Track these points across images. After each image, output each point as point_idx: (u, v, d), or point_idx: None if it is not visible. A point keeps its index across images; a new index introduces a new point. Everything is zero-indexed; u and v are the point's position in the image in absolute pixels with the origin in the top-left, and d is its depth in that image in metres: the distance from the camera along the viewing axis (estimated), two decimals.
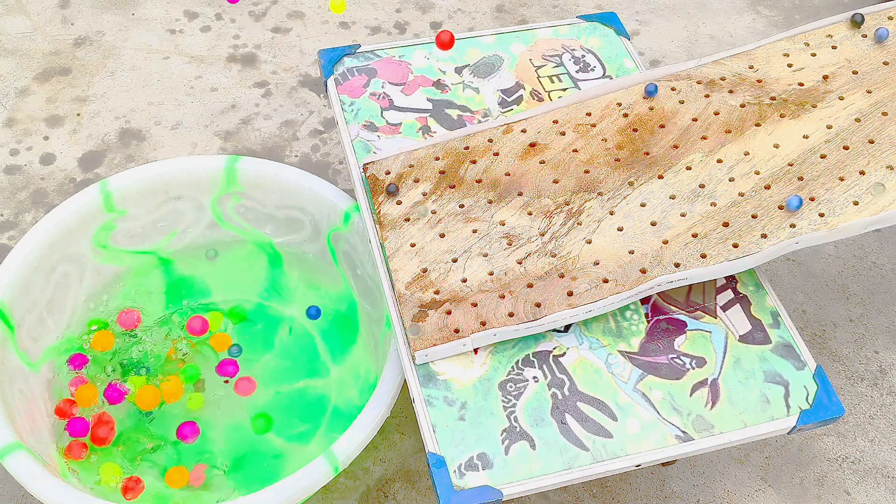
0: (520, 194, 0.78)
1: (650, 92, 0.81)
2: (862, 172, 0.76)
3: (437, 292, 0.73)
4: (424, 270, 0.75)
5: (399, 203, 0.79)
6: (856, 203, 0.74)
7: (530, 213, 0.77)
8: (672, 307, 0.75)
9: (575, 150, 0.81)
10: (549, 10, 1.23)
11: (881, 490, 0.84)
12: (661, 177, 0.78)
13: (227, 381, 0.85)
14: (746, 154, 0.79)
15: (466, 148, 0.81)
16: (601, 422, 0.69)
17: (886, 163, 0.77)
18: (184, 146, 1.07)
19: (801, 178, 0.76)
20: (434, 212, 0.78)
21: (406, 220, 0.78)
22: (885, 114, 0.80)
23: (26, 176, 1.04)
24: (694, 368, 0.72)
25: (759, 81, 0.83)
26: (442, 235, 0.76)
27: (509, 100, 0.87)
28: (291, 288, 0.91)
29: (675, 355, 0.72)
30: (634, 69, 0.90)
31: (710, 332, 0.74)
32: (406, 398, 0.86)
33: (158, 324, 0.88)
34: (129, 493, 0.77)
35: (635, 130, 0.81)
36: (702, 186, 0.77)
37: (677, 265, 0.73)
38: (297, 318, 0.89)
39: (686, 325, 0.74)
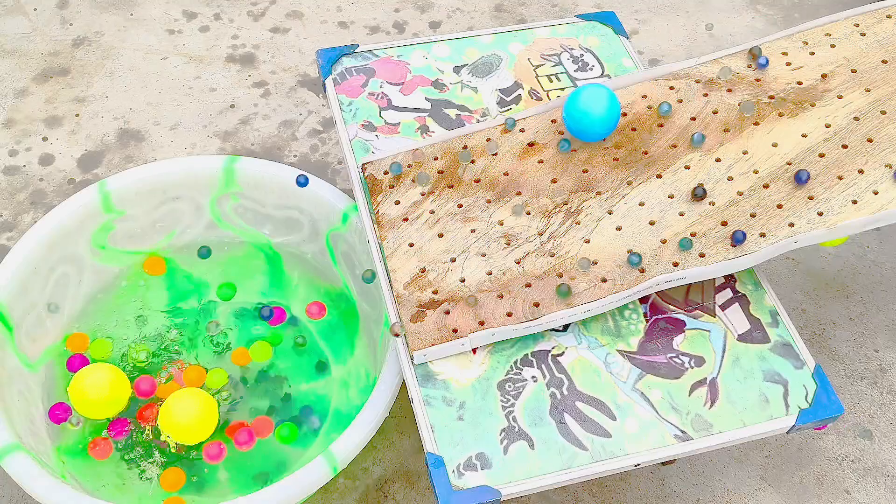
0: (518, 194, 0.78)
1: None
2: (861, 171, 0.76)
3: (435, 292, 0.73)
4: (423, 270, 0.75)
5: (397, 203, 0.78)
6: (854, 202, 0.74)
7: (529, 213, 0.77)
8: (671, 306, 0.75)
9: (573, 150, 0.81)
10: (548, 10, 1.23)
11: (881, 489, 0.84)
12: (659, 176, 0.78)
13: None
14: (745, 153, 0.79)
15: (465, 147, 0.81)
16: (600, 421, 0.69)
17: (885, 161, 0.76)
18: (182, 146, 1.07)
19: None
20: (432, 211, 0.78)
21: (404, 219, 0.77)
22: (883, 112, 0.79)
23: (25, 177, 1.04)
24: (693, 368, 0.72)
25: (757, 80, 0.83)
26: (440, 235, 0.76)
27: (508, 99, 0.87)
28: (291, 288, 0.91)
29: (673, 354, 0.72)
30: (633, 68, 0.90)
31: (709, 331, 0.74)
32: (405, 398, 0.85)
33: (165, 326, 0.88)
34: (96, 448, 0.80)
35: (634, 129, 0.81)
36: (700, 186, 0.77)
37: (676, 264, 0.73)
38: (297, 318, 0.89)
39: (685, 325, 0.74)
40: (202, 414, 0.78)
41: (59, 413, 0.81)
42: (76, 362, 0.84)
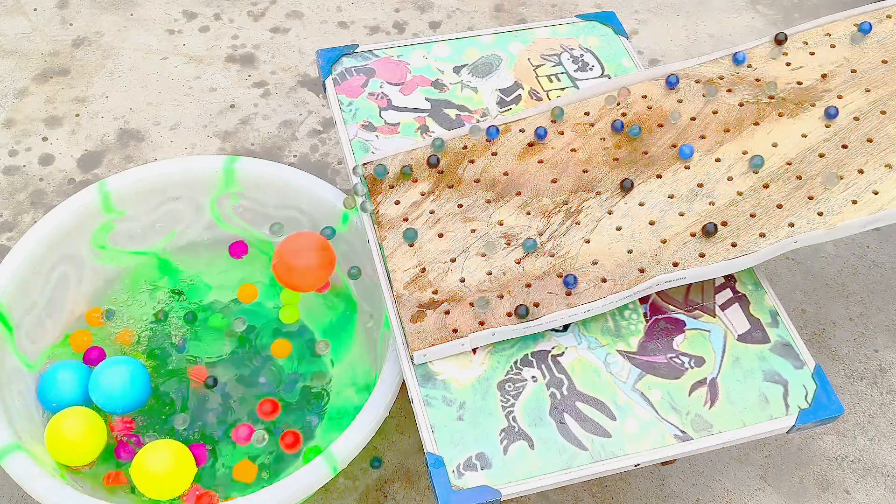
0: (518, 194, 0.78)
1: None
2: (861, 171, 0.76)
3: (435, 292, 0.73)
4: (423, 270, 0.75)
5: (397, 203, 0.79)
6: (854, 202, 0.74)
7: (529, 213, 0.77)
8: (671, 306, 0.75)
9: (573, 150, 0.81)
10: (548, 10, 1.23)
11: (881, 489, 0.84)
12: (659, 176, 0.78)
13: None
14: (745, 153, 0.79)
15: (465, 147, 0.81)
16: (600, 421, 0.69)
17: (885, 161, 0.76)
18: (182, 146, 1.07)
19: (799, 178, 0.76)
20: (432, 211, 0.78)
21: (404, 219, 0.77)
22: (883, 112, 0.79)
23: (25, 177, 1.04)
24: (693, 368, 0.72)
25: (757, 80, 0.83)
26: (440, 235, 0.76)
27: (508, 99, 0.87)
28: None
29: (673, 354, 0.72)
30: (633, 68, 0.90)
31: (709, 331, 0.74)
32: (405, 398, 0.85)
33: (155, 321, 0.88)
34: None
35: None
36: (700, 186, 0.77)
37: (676, 264, 0.73)
38: (305, 324, 0.89)
39: (685, 325, 0.74)
40: (177, 467, 0.74)
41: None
42: (94, 355, 0.84)
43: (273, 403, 0.81)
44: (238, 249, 0.90)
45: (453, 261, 0.75)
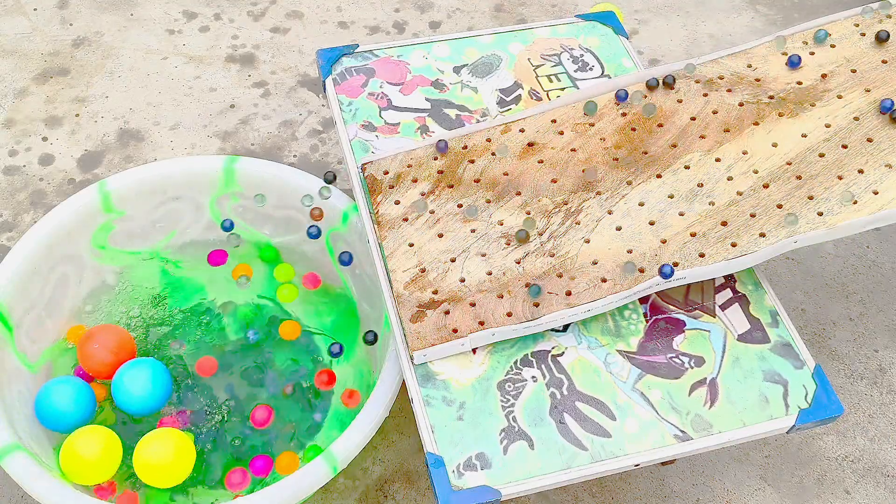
0: (518, 194, 0.78)
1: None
2: (861, 171, 0.76)
3: (435, 292, 0.73)
4: (423, 270, 0.75)
5: (397, 203, 0.79)
6: (854, 202, 0.74)
7: (529, 213, 0.77)
8: (671, 306, 0.75)
9: (573, 150, 0.81)
10: (548, 10, 1.23)
11: (881, 489, 0.84)
12: (659, 176, 0.78)
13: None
14: (745, 153, 0.79)
15: (465, 147, 0.81)
16: (600, 421, 0.69)
17: (885, 161, 0.76)
18: (182, 146, 1.07)
19: (799, 177, 0.76)
20: (432, 211, 0.78)
21: (404, 219, 0.77)
22: (883, 112, 0.79)
23: (25, 177, 1.04)
24: (693, 368, 0.72)
25: (757, 80, 0.83)
26: (440, 235, 0.76)
27: (507, 99, 0.87)
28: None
29: (673, 354, 0.72)
30: (633, 68, 0.90)
31: (709, 331, 0.74)
32: (405, 398, 0.85)
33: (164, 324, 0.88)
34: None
35: (634, 130, 0.81)
36: (700, 186, 0.77)
37: (676, 264, 0.73)
38: (297, 317, 0.89)
39: (685, 325, 0.74)
40: (178, 456, 0.74)
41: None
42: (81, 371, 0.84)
43: (330, 373, 0.84)
44: (217, 258, 0.90)
45: (453, 261, 0.75)
